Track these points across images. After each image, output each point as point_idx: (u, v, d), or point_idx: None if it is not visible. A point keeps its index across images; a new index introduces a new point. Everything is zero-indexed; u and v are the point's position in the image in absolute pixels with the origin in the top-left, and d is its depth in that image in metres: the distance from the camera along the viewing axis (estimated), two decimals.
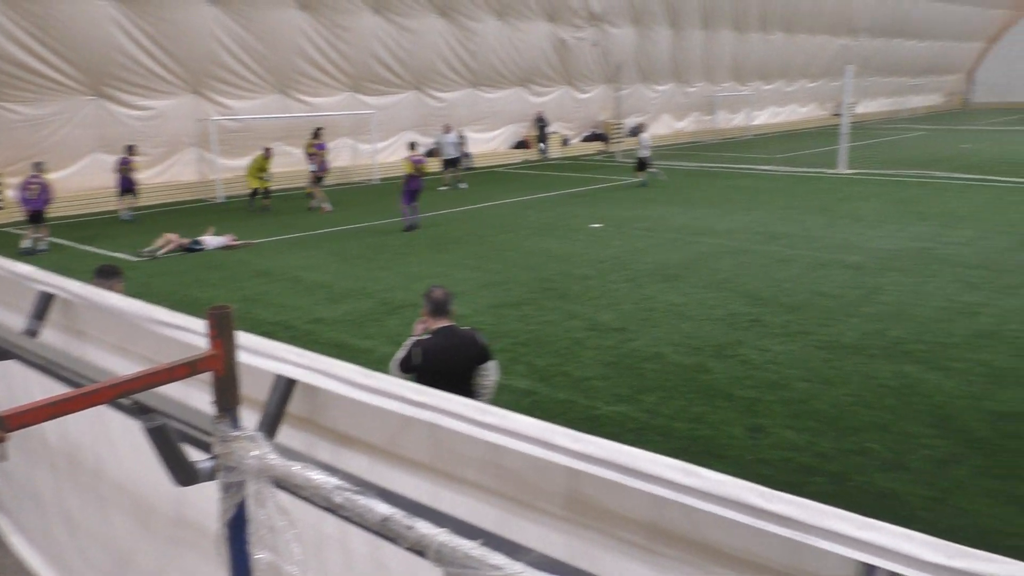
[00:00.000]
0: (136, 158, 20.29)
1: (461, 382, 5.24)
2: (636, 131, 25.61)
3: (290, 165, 24.80)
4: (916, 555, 1.42)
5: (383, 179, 26.56)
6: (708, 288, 11.93)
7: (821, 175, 25.43)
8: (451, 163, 25.26)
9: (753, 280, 12.34)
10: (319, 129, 23.48)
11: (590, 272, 13.12)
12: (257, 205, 20.88)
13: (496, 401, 8.54)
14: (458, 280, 12.74)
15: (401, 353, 5.34)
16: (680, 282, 12.32)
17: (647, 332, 9.91)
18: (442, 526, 1.61)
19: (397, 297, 11.81)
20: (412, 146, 20.10)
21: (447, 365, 5.20)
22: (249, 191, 21.32)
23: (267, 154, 21.33)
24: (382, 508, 1.70)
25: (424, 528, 1.62)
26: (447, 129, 25.86)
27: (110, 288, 5.57)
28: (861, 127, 46.00)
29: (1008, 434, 6.87)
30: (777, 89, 46.01)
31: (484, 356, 5.40)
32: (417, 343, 5.30)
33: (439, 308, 5.37)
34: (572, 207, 20.16)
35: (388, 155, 28.30)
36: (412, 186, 17.50)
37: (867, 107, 54.17)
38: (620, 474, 1.70)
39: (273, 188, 21.61)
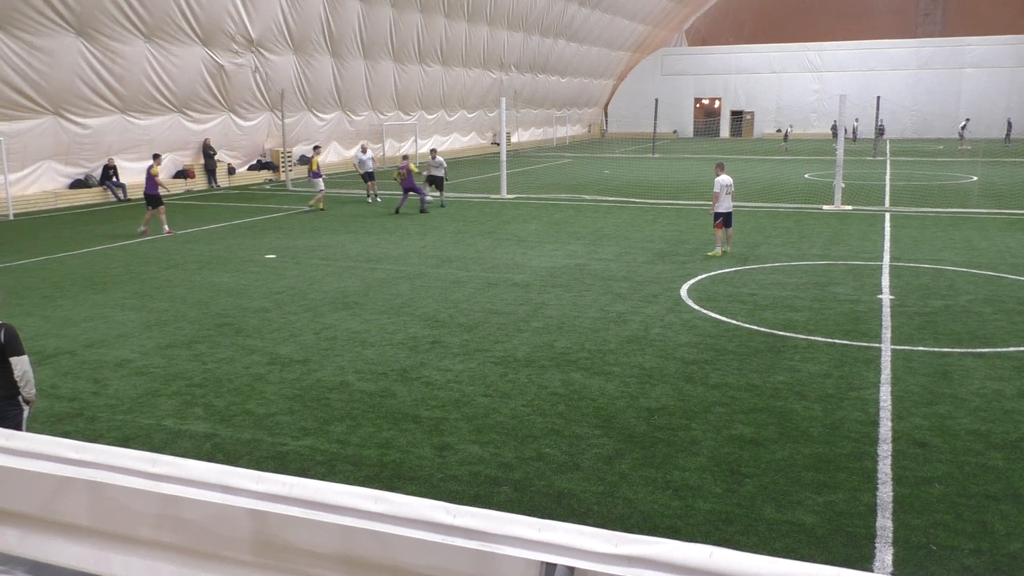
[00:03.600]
0: None
1: None
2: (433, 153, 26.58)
3: None
4: (588, 548, 1.54)
5: (19, 214, 23.63)
6: (388, 313, 12.10)
7: (486, 200, 26.95)
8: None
9: (430, 303, 12.73)
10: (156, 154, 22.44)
11: (267, 304, 12.71)
12: None
13: (173, 449, 7.98)
14: (119, 322, 11.69)
15: None
16: (360, 309, 12.36)
17: (330, 361, 9.81)
18: None
19: (48, 345, 10.56)
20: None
21: None
22: None
23: None
24: None
25: None
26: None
27: None
28: (517, 155, 49.52)
29: (660, 427, 7.73)
30: (440, 119, 48.08)
31: (3, 351, 5.83)
32: None
33: None
34: (242, 238, 19.43)
35: (26, 187, 25.29)
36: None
37: (521, 136, 58.54)
38: (308, 509, 1.66)
39: None
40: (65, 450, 1.83)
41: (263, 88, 33.57)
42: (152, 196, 20.05)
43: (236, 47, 31.43)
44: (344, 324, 11.52)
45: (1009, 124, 56.48)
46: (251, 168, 34.75)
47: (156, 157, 20.99)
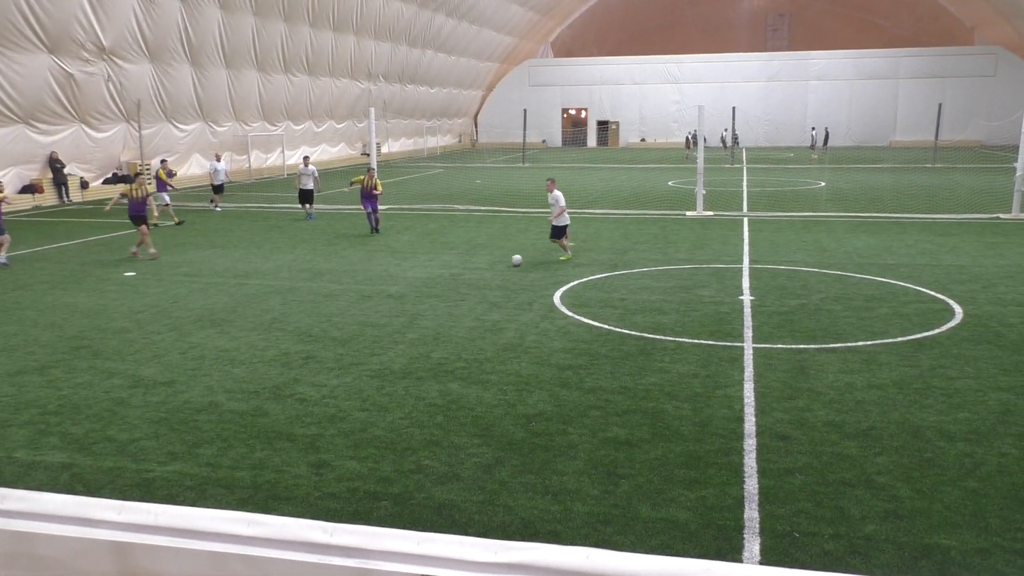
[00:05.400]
0: None
1: None
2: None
3: None
4: (468, 558, 1.55)
5: None
6: (258, 330, 11.75)
7: (358, 211, 26.57)
8: None
9: (303, 317, 12.44)
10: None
11: (127, 325, 12.11)
12: None
13: (27, 482, 7.51)
14: None
15: None
16: (229, 326, 11.95)
17: (198, 382, 9.44)
18: None
19: None
20: None
21: None
22: None
23: None
24: None
25: None
26: None
27: None
28: (389, 165, 49.19)
29: (538, 433, 7.82)
30: (307, 129, 47.18)
31: None
32: None
33: None
34: (98, 256, 18.44)
35: None
36: None
37: (392, 147, 58.16)
38: (175, 537, 1.59)
39: None
40: None
41: (117, 98, 32.02)
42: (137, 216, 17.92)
43: (87, 55, 29.86)
44: (212, 342, 11.11)
45: (827, 133, 60.72)
46: (106, 181, 33.02)
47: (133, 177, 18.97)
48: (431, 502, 6.43)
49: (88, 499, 1.66)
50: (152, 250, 17.98)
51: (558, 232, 17.44)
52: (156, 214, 23.05)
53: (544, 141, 73.34)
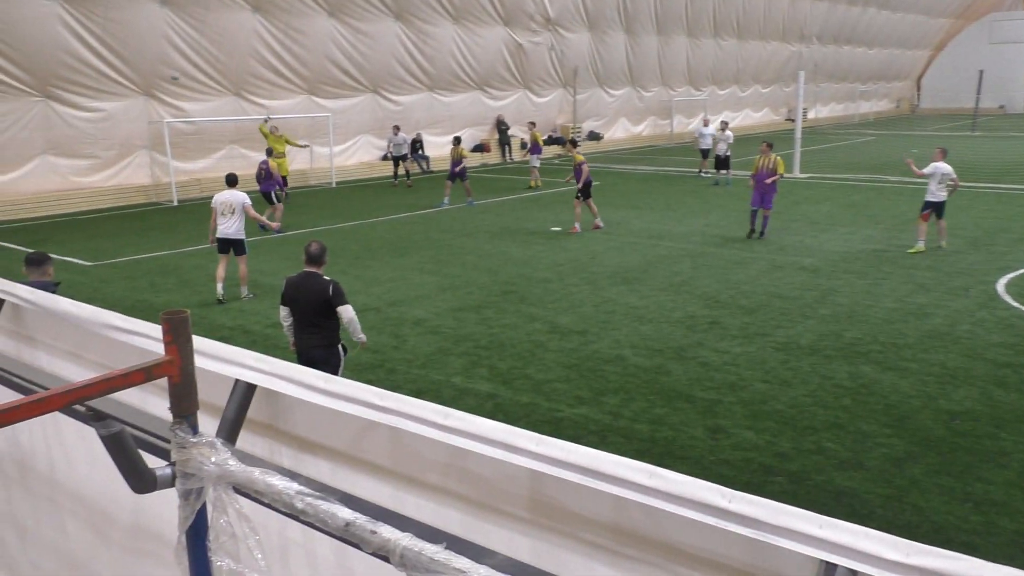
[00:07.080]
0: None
1: (314, 317, 6.65)
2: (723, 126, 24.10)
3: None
4: (875, 553, 1.43)
5: (340, 183, 26.35)
6: (667, 291, 12.03)
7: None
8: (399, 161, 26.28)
9: (711, 282, 12.47)
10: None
11: (549, 275, 13.15)
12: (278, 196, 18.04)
13: (459, 404, 8.56)
14: (417, 284, 12.69)
15: None
16: (639, 285, 12.41)
17: (607, 334, 9.96)
18: (406, 530, 1.60)
19: (358, 302, 11.67)
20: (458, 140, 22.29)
21: (296, 300, 6.70)
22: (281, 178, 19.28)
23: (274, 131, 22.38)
24: (345, 513, 1.67)
25: (388, 532, 1.59)
26: (396, 130, 26.50)
27: (43, 275, 5.91)
28: (814, 132, 46.76)
29: (961, 433, 7.02)
30: (731, 94, 46.60)
31: (331, 303, 6.62)
32: (285, 278, 6.94)
33: (309, 258, 6.78)
34: (530, 210, 20.20)
35: (346, 158, 28.09)
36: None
37: (819, 112, 55.12)
38: (583, 476, 1.70)
39: None
40: (371, 396, 2.01)
41: (557, 65, 34.54)
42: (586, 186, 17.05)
43: (535, 26, 32.60)
44: (623, 299, 11.62)
45: None
46: (544, 143, 35.93)
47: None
48: (830, 486, 6.11)
49: (512, 428, 1.82)
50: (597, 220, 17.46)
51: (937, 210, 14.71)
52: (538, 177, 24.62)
53: (1002, 107, 64.15)
